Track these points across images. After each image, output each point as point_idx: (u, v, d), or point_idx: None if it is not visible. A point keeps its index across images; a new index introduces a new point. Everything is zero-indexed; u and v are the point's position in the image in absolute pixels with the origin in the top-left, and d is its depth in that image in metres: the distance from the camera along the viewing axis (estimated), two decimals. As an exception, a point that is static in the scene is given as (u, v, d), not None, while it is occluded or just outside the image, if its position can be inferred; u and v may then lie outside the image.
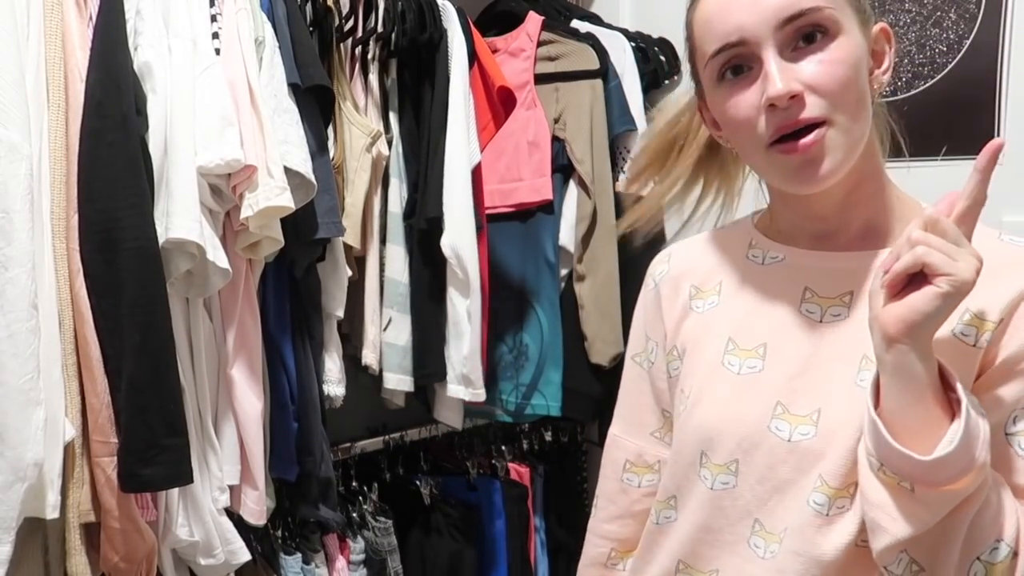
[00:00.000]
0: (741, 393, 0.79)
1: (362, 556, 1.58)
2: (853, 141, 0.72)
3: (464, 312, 1.50)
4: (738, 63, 0.73)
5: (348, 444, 1.63)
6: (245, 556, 1.28)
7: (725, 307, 0.85)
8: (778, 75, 0.70)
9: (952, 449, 0.62)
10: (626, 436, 0.94)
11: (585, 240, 1.69)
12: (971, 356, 0.71)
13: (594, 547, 0.96)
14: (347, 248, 1.42)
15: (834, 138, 0.71)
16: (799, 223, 0.82)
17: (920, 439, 0.64)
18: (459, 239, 1.47)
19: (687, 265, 0.90)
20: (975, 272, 0.62)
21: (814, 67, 0.70)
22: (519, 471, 1.88)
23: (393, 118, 1.52)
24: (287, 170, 1.19)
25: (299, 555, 1.49)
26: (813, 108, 0.70)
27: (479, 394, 1.54)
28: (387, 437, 1.70)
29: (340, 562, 1.55)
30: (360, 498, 1.65)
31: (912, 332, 0.63)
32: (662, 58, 1.86)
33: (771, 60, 0.70)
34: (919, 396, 0.65)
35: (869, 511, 0.68)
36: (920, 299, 0.63)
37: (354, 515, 1.62)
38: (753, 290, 0.83)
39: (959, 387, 0.64)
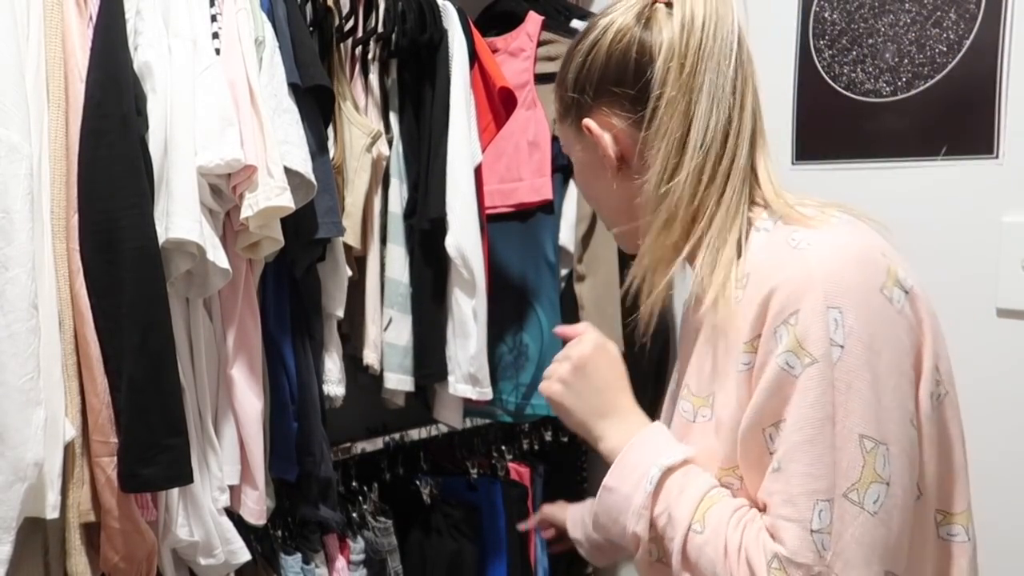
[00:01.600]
0: None
1: (362, 556, 1.58)
2: (614, 226, 0.91)
3: (470, 312, 1.50)
4: None
5: (348, 444, 1.63)
6: (245, 556, 1.28)
7: None
8: None
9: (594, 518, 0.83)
10: None
11: (585, 240, 1.70)
12: (746, 380, 0.74)
13: None
14: (347, 248, 1.42)
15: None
16: None
17: None
18: (464, 239, 1.47)
19: None
20: (550, 390, 0.88)
21: None
22: (519, 471, 1.88)
23: (393, 118, 1.52)
24: (287, 170, 1.19)
25: (299, 555, 1.49)
26: None
27: (486, 392, 1.54)
28: (387, 437, 1.70)
29: (340, 562, 1.55)
30: (360, 498, 1.65)
31: None
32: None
33: None
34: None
35: None
36: None
37: (354, 515, 1.62)
38: None
39: (608, 474, 0.82)
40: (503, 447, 1.88)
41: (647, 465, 0.77)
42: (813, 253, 0.72)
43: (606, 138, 0.84)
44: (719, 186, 0.79)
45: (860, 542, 0.67)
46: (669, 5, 0.80)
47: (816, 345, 0.68)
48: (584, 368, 0.85)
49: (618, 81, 0.82)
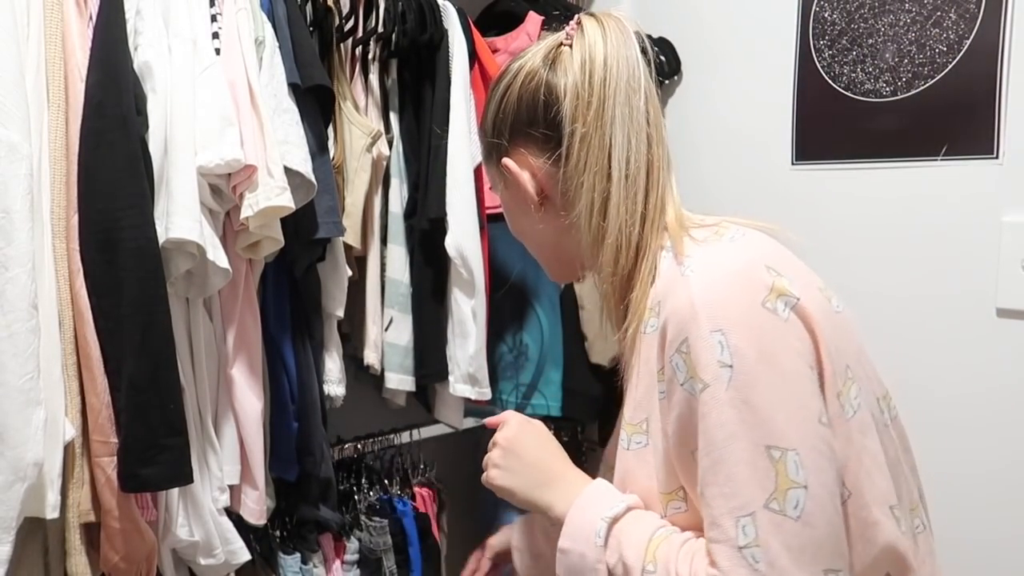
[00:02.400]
0: None
1: (356, 556, 1.58)
2: (542, 261, 0.98)
3: (469, 312, 1.50)
4: None
5: (348, 444, 1.63)
6: (245, 556, 1.28)
7: None
8: None
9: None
10: None
11: (585, 240, 1.69)
12: (665, 408, 0.77)
13: None
14: (347, 248, 1.42)
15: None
16: None
17: None
18: (464, 239, 1.47)
19: None
20: (488, 477, 0.90)
21: None
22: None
23: (393, 118, 1.52)
24: (287, 170, 1.19)
25: (298, 555, 1.49)
26: None
27: (485, 392, 1.54)
28: (387, 437, 1.69)
29: (337, 562, 1.55)
30: (356, 498, 1.64)
31: None
32: (662, 58, 1.86)
33: None
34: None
35: None
36: None
37: (347, 516, 1.62)
38: None
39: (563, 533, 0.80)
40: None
41: (594, 520, 0.79)
42: (695, 280, 0.74)
43: (524, 176, 0.88)
44: (648, 214, 0.82)
45: (789, 547, 0.68)
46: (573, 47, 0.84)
47: (706, 370, 0.71)
48: (513, 448, 0.88)
49: (531, 122, 0.86)
